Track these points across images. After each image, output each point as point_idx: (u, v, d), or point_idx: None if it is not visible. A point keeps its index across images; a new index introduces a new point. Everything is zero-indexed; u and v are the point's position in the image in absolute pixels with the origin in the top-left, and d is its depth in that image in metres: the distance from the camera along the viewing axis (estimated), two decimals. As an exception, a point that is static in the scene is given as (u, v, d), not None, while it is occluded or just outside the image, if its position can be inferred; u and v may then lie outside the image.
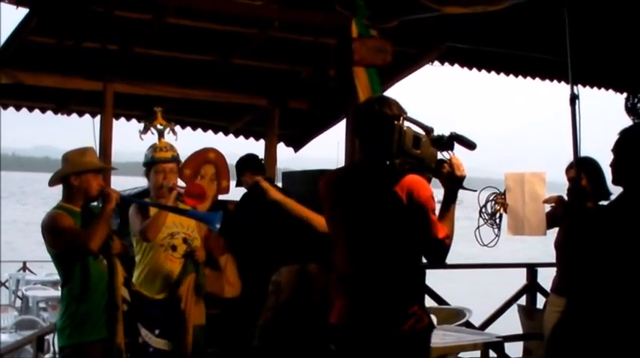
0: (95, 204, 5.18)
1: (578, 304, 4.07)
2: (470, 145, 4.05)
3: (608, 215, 4.06)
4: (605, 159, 4.13)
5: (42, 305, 18.57)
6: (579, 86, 4.34)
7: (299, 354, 6.82)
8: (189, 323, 5.50)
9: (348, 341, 3.97)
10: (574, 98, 4.29)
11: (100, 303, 4.98)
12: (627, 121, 9.40)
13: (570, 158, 5.50)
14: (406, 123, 3.91)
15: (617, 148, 4.02)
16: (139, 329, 5.27)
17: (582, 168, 5.32)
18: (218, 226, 5.42)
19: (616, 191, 4.40)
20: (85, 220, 4.99)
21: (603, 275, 3.89)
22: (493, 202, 5.32)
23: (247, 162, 7.04)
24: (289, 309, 6.93)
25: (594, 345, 3.92)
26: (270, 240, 6.98)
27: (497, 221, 5.27)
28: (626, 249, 3.82)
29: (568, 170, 5.61)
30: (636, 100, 9.69)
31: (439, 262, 3.91)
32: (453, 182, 3.94)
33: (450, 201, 3.94)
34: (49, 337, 7.58)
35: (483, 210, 5.30)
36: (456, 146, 3.93)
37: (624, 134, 4.06)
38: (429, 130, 3.97)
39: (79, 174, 5.02)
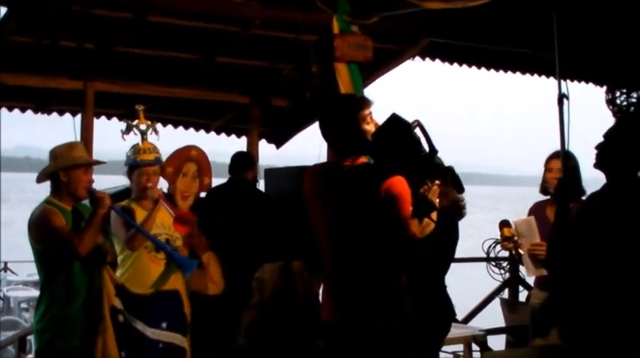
0: (85, 203, 5.07)
1: (569, 294, 4.09)
2: (459, 186, 4.12)
3: (596, 206, 4.08)
4: (584, 151, 4.15)
5: (23, 305, 18.44)
6: (560, 79, 4.35)
7: (284, 352, 6.82)
8: (188, 319, 5.55)
9: (336, 339, 3.99)
10: (562, 97, 4.30)
11: (82, 310, 4.86)
12: (608, 114, 9.50)
13: (552, 150, 5.57)
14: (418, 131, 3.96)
15: (611, 134, 4.03)
16: (141, 332, 5.26)
17: (569, 161, 5.37)
18: (188, 275, 5.56)
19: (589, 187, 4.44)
20: (75, 221, 4.89)
21: (593, 267, 3.92)
22: (497, 247, 5.58)
23: (251, 159, 7.17)
24: (273, 306, 6.93)
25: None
26: (254, 237, 7.00)
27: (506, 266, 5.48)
28: (614, 240, 3.85)
29: (547, 161, 5.65)
30: (617, 93, 9.76)
31: (407, 257, 3.93)
32: (424, 204, 3.97)
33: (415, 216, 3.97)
34: (31, 337, 7.54)
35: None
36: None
37: (621, 122, 4.10)
38: (434, 151, 4.01)
39: (68, 170, 4.89)
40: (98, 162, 5.28)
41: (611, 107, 9.76)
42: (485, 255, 6.16)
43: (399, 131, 3.96)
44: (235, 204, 7.04)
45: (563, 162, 4.43)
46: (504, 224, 5.53)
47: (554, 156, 5.59)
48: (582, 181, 5.32)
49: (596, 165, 4.08)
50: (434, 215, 4.17)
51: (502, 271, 5.73)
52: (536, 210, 5.78)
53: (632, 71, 9.34)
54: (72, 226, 4.85)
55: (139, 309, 5.30)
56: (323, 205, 4.02)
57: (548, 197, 5.69)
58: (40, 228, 4.81)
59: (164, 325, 5.38)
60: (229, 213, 6.96)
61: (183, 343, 5.49)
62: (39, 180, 4.99)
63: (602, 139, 4.07)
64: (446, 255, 4.63)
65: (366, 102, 4.04)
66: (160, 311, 5.39)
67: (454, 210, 4.49)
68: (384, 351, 3.90)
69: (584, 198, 4.56)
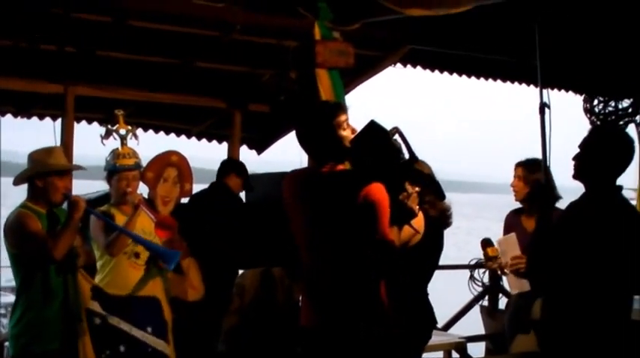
0: (62, 207, 5.03)
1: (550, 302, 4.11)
2: (440, 194, 4.14)
3: (576, 216, 4.10)
4: (565, 159, 4.17)
5: (1, 311, 18.33)
6: (538, 87, 4.36)
7: (265, 357, 6.81)
8: (169, 325, 5.52)
9: (315, 344, 3.98)
10: (543, 107, 4.31)
11: (59, 313, 4.85)
12: (585, 122, 9.54)
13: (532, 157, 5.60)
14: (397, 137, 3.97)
15: (586, 144, 4.07)
16: (127, 332, 5.23)
17: (538, 171, 5.40)
18: (172, 266, 5.45)
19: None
20: (51, 225, 4.87)
21: (572, 275, 3.93)
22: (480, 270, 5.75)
23: (232, 165, 7.17)
24: (254, 312, 6.92)
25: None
26: (234, 243, 6.98)
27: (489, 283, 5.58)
28: (593, 249, 3.86)
29: (516, 167, 5.68)
30: (595, 102, 9.80)
31: (386, 264, 3.92)
32: (403, 211, 3.98)
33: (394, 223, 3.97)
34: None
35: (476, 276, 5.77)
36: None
37: (595, 131, 4.14)
38: (413, 158, 4.02)
39: (44, 176, 4.87)
40: (75, 168, 5.24)
41: (588, 116, 9.81)
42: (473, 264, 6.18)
43: (377, 138, 3.96)
44: (214, 210, 7.03)
45: (545, 172, 4.44)
46: (487, 243, 5.50)
47: (516, 164, 5.65)
48: (556, 189, 5.32)
49: (575, 176, 4.11)
50: (417, 223, 4.18)
51: (482, 283, 5.79)
52: (512, 218, 5.81)
53: (611, 80, 9.39)
54: (48, 230, 4.83)
55: (122, 312, 5.26)
56: (302, 211, 4.02)
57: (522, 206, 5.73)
58: (15, 232, 4.79)
59: (149, 329, 5.35)
60: (209, 218, 6.94)
61: (166, 349, 5.45)
62: (15, 183, 4.97)
63: (578, 149, 4.09)
64: (430, 264, 4.64)
65: (341, 109, 4.05)
66: (142, 317, 5.35)
67: (441, 220, 4.51)
68: (363, 357, 3.90)
69: (563, 206, 4.57)
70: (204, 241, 6.80)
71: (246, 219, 7.19)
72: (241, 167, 7.46)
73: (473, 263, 5.88)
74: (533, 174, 5.52)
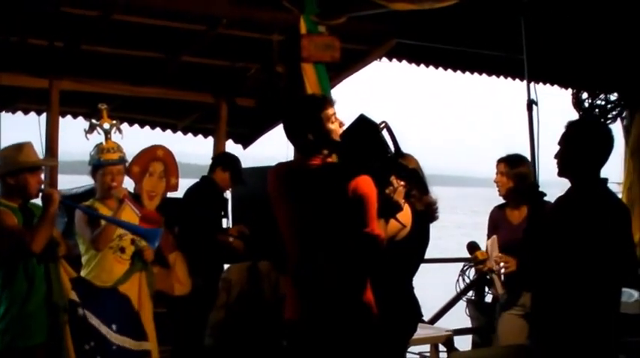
0: (35, 201, 5.00)
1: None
2: (424, 188, 4.15)
3: (562, 209, 4.11)
4: (551, 153, 4.18)
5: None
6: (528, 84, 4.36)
7: (251, 352, 6.81)
8: (146, 323, 5.48)
9: (299, 336, 3.99)
10: (531, 103, 4.32)
11: (43, 306, 4.84)
12: (574, 116, 9.56)
13: (518, 152, 5.62)
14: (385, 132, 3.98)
15: (565, 140, 4.09)
16: (96, 328, 5.21)
17: (520, 166, 5.45)
18: (157, 244, 5.42)
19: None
20: (26, 219, 4.86)
21: (560, 269, 3.95)
22: (470, 270, 5.70)
23: (218, 159, 7.23)
24: (240, 307, 6.92)
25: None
26: (209, 236, 6.97)
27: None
28: (580, 243, 3.88)
29: (498, 163, 5.71)
30: (584, 95, 9.83)
31: (371, 257, 3.93)
32: (389, 204, 3.99)
33: (381, 217, 3.97)
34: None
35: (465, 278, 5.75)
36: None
37: (571, 126, 4.13)
38: (399, 152, 4.04)
39: (15, 174, 4.85)
40: (46, 163, 5.20)
41: (577, 109, 9.83)
42: (457, 257, 6.20)
43: (367, 132, 3.97)
44: (200, 204, 7.01)
45: (533, 167, 4.44)
46: (474, 247, 5.64)
47: (498, 161, 5.67)
48: (539, 185, 5.36)
49: (560, 174, 4.13)
50: (404, 217, 4.19)
51: (470, 280, 5.85)
52: (497, 213, 5.84)
53: (599, 73, 9.42)
54: (23, 224, 4.83)
55: (92, 305, 5.23)
56: (288, 203, 4.02)
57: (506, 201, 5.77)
58: None
59: (114, 327, 5.31)
60: (198, 212, 6.93)
61: (138, 347, 5.41)
62: None
63: (558, 147, 4.10)
64: (416, 258, 4.65)
65: (328, 102, 4.05)
66: (111, 312, 5.33)
67: (428, 214, 4.52)
68: (347, 350, 3.90)
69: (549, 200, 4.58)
70: (191, 235, 6.80)
71: (230, 214, 7.19)
72: (227, 160, 7.37)
73: (465, 268, 5.82)
74: (515, 169, 5.56)
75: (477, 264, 5.57)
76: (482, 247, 5.69)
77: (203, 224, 6.87)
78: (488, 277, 5.64)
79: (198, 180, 7.25)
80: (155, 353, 5.54)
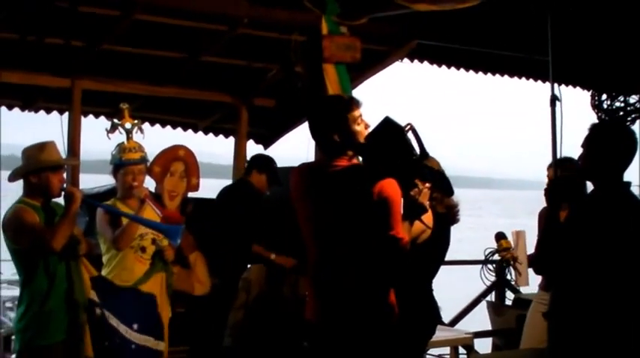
0: (57, 200, 5.03)
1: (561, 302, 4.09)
2: (449, 190, 4.14)
3: (586, 212, 4.08)
4: (572, 154, 4.16)
5: (8, 304, 18.33)
6: (545, 82, 4.34)
7: (270, 352, 6.81)
8: (165, 322, 5.49)
9: (320, 338, 3.98)
10: (554, 99, 4.29)
11: (63, 304, 4.87)
12: (593, 118, 9.50)
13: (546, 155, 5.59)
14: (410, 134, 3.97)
15: (588, 143, 4.05)
16: (115, 327, 5.22)
17: (568, 169, 5.42)
18: (178, 241, 5.42)
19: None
20: (48, 217, 4.89)
21: (582, 270, 3.92)
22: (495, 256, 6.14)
23: (253, 161, 7.23)
24: (260, 307, 6.92)
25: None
26: (242, 238, 6.97)
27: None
28: (602, 244, 3.85)
29: (549, 168, 5.67)
30: (603, 97, 9.77)
31: (394, 261, 3.91)
32: (414, 206, 3.98)
33: (406, 219, 3.97)
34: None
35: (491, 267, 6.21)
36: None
37: (594, 129, 4.10)
38: (425, 154, 4.02)
39: (38, 172, 4.89)
40: (68, 162, 5.21)
41: (596, 111, 9.78)
42: (480, 259, 6.44)
43: (393, 134, 3.96)
44: (240, 204, 7.00)
45: (555, 164, 4.42)
46: (501, 236, 6.05)
47: (549, 166, 5.64)
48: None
49: (583, 176, 4.10)
50: (427, 219, 4.17)
51: (493, 273, 6.12)
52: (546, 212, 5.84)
53: (618, 75, 9.36)
54: (45, 222, 4.86)
55: (112, 304, 5.25)
56: (310, 205, 4.00)
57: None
58: (13, 226, 4.82)
59: (135, 326, 5.32)
60: (238, 210, 6.93)
61: (157, 346, 5.42)
62: (10, 179, 4.98)
63: (581, 150, 4.07)
64: (436, 261, 4.65)
65: (355, 103, 4.03)
66: (132, 312, 5.34)
67: (449, 216, 4.51)
68: (367, 352, 3.89)
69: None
70: (226, 234, 6.80)
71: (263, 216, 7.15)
72: (263, 162, 7.31)
73: (488, 252, 6.23)
74: (565, 172, 5.55)
75: (501, 251, 5.98)
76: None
77: (241, 224, 6.85)
78: (511, 263, 6.02)
79: (231, 181, 7.23)
80: (165, 354, 5.54)
